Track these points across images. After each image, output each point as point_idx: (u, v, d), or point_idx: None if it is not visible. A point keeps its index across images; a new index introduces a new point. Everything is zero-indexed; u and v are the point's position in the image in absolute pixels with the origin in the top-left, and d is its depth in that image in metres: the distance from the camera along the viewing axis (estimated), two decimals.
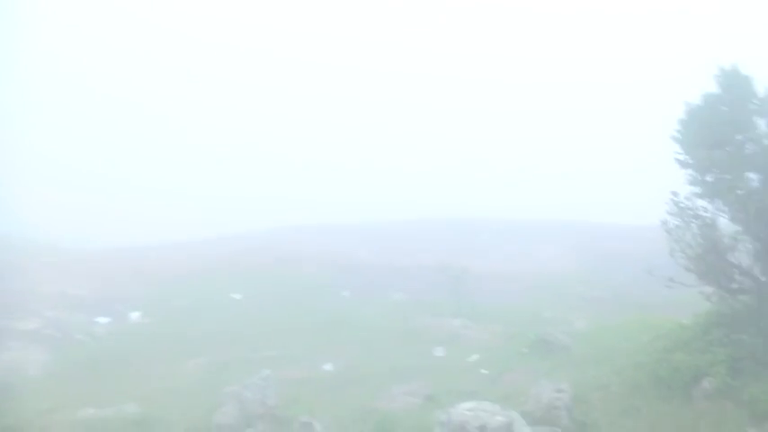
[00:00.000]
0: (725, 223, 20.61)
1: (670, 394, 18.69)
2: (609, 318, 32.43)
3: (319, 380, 27.20)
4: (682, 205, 20.65)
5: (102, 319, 37.85)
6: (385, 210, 74.27)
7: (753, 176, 19.53)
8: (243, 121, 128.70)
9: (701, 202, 20.53)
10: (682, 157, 20.46)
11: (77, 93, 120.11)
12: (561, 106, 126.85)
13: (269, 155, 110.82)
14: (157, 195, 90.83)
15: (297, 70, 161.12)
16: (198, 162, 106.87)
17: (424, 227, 66.38)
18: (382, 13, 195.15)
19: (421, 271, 46.89)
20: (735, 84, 19.84)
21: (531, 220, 66.94)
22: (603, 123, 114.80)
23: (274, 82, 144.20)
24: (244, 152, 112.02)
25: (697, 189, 20.39)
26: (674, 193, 20.68)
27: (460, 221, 67.13)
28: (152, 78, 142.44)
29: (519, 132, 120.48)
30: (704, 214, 20.52)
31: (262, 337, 33.72)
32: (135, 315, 38.41)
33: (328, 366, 29.21)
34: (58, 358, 30.87)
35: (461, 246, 57.44)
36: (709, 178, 20.01)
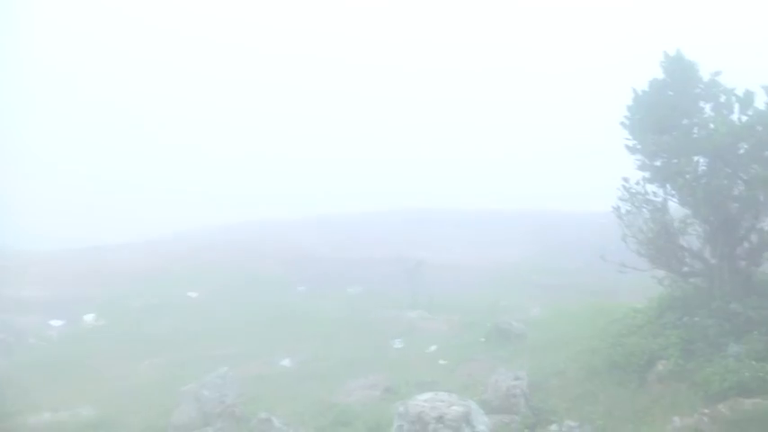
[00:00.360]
0: (675, 207, 20.83)
1: (625, 378, 18.80)
2: (564, 304, 32.66)
3: (277, 376, 27.05)
4: (632, 191, 20.85)
5: (56, 322, 37.29)
6: (344, 201, 74.39)
7: (700, 160, 19.71)
8: (225, 118, 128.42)
9: (651, 187, 20.74)
10: (631, 143, 20.64)
11: (66, 91, 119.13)
12: (511, 95, 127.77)
13: (240, 149, 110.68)
14: (139, 192, 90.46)
15: (260, 62, 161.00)
16: (179, 158, 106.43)
17: (381, 219, 66.46)
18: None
19: (378, 263, 46.90)
20: (680, 69, 20.04)
21: (486, 210, 67.38)
22: (554, 111, 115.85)
23: (243, 76, 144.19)
24: (224, 148, 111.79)
25: (647, 174, 20.58)
26: (625, 179, 20.89)
27: (417, 213, 67.37)
28: (139, 76, 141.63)
29: (469, 122, 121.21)
30: (654, 199, 20.73)
31: (219, 335, 33.52)
32: (89, 317, 37.84)
33: (286, 362, 29.09)
34: (11, 363, 30.34)
35: (418, 237, 57.66)
36: (658, 163, 20.18)
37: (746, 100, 19.18)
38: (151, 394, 25.00)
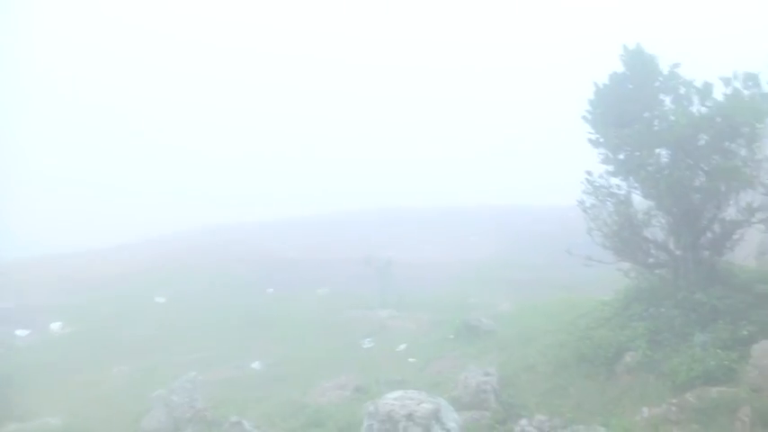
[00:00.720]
0: (638, 200, 20.97)
1: (594, 371, 18.89)
2: (532, 299, 32.83)
3: (248, 379, 26.98)
4: (596, 184, 20.96)
5: (22, 332, 36.84)
6: (315, 202, 74.30)
7: (662, 152, 19.87)
8: (205, 117, 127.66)
9: (614, 180, 20.85)
10: (593, 137, 20.75)
11: (61, 95, 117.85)
12: (474, 92, 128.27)
13: (214, 149, 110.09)
14: (135, 196, 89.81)
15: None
16: (172, 160, 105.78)
17: (350, 219, 66.46)
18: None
19: (346, 264, 46.83)
20: (640, 63, 20.17)
21: (454, 207, 67.60)
22: (518, 107, 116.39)
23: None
24: (203, 148, 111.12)
25: (610, 167, 20.69)
26: (589, 173, 20.99)
27: (386, 212, 67.42)
28: (136, 79, 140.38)
29: (434, 120, 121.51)
30: (618, 192, 20.85)
31: (188, 340, 33.35)
32: (56, 325, 37.45)
33: (256, 364, 29.01)
34: None
35: (387, 236, 57.74)
36: (621, 156, 20.30)
37: (705, 92, 19.38)
38: (120, 401, 24.81)
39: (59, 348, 33.56)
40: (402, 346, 28.94)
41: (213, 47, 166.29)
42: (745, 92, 18.86)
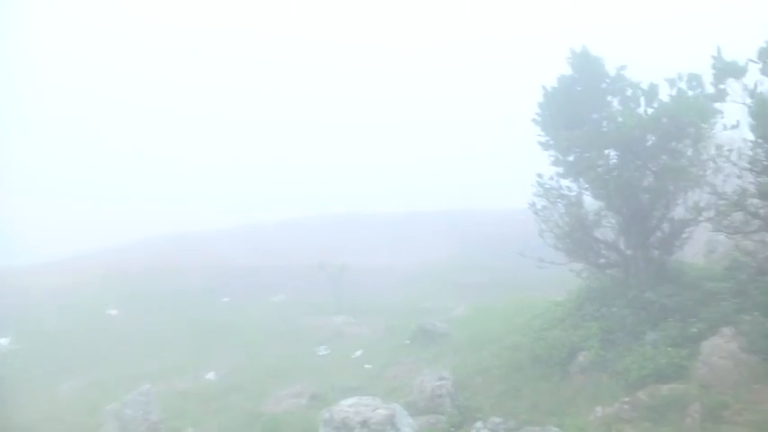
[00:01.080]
0: (589, 201, 21.17)
1: (548, 371, 19.00)
2: (487, 302, 32.98)
3: (203, 390, 26.66)
4: (547, 186, 21.13)
5: None
6: (269, 209, 73.91)
7: (611, 153, 20.08)
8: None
9: (564, 182, 21.03)
10: (543, 139, 20.90)
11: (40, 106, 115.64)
12: (419, 93, 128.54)
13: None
14: (107, 203, 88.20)
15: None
16: (144, 169, 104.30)
17: (305, 226, 66.24)
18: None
19: (301, 271, 46.66)
20: (587, 65, 20.36)
21: (408, 212, 67.70)
22: (467, 109, 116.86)
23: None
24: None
25: (560, 169, 20.87)
26: (539, 175, 21.16)
27: (340, 218, 67.32)
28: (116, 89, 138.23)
29: (384, 123, 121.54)
30: (569, 193, 21.03)
31: (141, 352, 32.90)
32: (4, 341, 36.64)
33: (211, 375, 28.70)
34: None
35: (343, 242, 57.66)
36: (570, 158, 20.46)
37: (651, 93, 19.64)
38: (72, 417, 24.31)
39: (8, 365, 32.80)
40: (358, 353, 28.84)
41: (183, 52, 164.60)
42: (690, 93, 19.14)
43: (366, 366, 26.60)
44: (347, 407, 15.34)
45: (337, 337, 32.40)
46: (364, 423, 14.75)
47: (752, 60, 16.49)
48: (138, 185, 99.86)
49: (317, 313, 36.68)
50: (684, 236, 20.36)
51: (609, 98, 20.37)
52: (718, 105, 18.30)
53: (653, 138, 19.47)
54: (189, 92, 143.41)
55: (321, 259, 42.36)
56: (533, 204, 21.40)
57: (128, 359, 31.98)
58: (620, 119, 19.63)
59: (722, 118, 18.58)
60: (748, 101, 16.52)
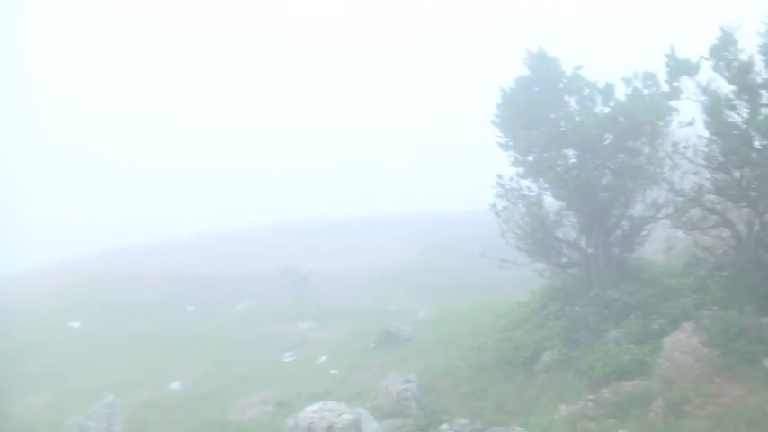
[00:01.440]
0: (549, 201, 21.32)
1: (513, 372, 19.09)
2: (451, 304, 33.05)
3: (168, 400, 26.38)
4: (507, 187, 21.24)
5: None
6: (228, 216, 73.45)
7: (570, 153, 20.23)
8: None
9: (525, 183, 21.19)
10: (502, 140, 21.01)
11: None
12: (383, 95, 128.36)
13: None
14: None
15: None
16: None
17: (268, 232, 65.94)
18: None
19: (265, 278, 46.45)
20: (544, 66, 20.53)
21: (371, 216, 67.67)
22: (426, 111, 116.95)
23: None
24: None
25: (520, 170, 21.00)
26: (499, 176, 21.26)
27: (303, 223, 67.11)
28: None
29: (338, 124, 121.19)
30: (529, 194, 21.18)
31: (105, 364, 32.54)
32: None
33: (176, 384, 28.46)
34: None
35: (307, 248, 57.54)
36: (530, 158, 20.61)
37: (607, 92, 19.87)
38: (36, 431, 23.95)
39: None
40: (323, 358, 28.75)
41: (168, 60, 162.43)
42: (646, 91, 19.40)
43: (332, 371, 26.53)
44: (312, 412, 15.25)
45: (302, 343, 32.30)
46: (329, 428, 14.68)
47: (704, 58, 16.70)
48: (125, 192, 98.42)
49: (281, 320, 36.53)
50: (644, 233, 20.60)
51: (566, 98, 20.56)
52: (673, 103, 18.56)
53: (610, 136, 19.68)
54: (172, 99, 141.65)
55: (285, 265, 42.22)
56: (494, 205, 21.50)
57: (91, 371, 31.60)
58: (577, 118, 19.80)
59: (677, 115, 18.86)
60: (702, 98, 16.72)
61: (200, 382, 28.24)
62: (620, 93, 19.80)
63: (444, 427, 16.38)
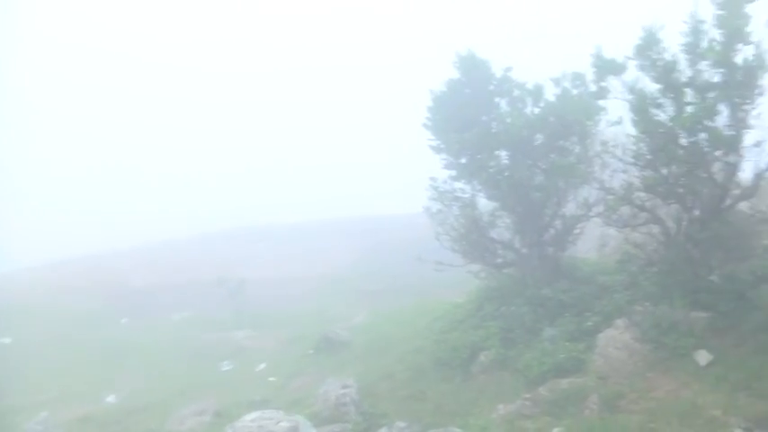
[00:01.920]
0: (483, 202, 21.46)
1: (451, 373, 19.16)
2: (388, 307, 33.05)
3: (104, 414, 25.79)
4: (441, 189, 21.31)
5: None
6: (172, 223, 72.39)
7: (502, 154, 20.39)
8: None
9: (458, 184, 21.28)
10: (435, 143, 21.05)
11: None
12: (313, 96, 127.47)
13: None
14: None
15: None
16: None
17: (202, 241, 65.15)
18: None
19: (201, 287, 45.83)
20: (473, 68, 20.66)
21: (307, 221, 67.33)
22: (363, 112, 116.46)
23: None
24: None
25: (453, 172, 21.07)
26: (433, 179, 21.32)
27: (238, 231, 66.45)
28: None
29: (266, 126, 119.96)
30: (463, 195, 21.30)
31: (38, 380, 31.65)
32: None
33: (111, 398, 27.87)
34: None
35: (243, 255, 56.94)
36: (462, 160, 20.73)
37: (537, 93, 20.12)
38: None
39: None
40: (261, 366, 28.48)
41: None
42: (574, 91, 19.65)
43: (270, 379, 26.28)
44: (250, 421, 15.07)
45: (240, 352, 31.96)
46: None
47: (629, 57, 16.97)
48: (108, 196, 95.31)
49: (218, 329, 36.12)
50: (577, 232, 20.88)
51: (497, 100, 20.73)
52: (601, 102, 18.76)
53: (541, 137, 19.92)
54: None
55: (220, 274, 41.78)
56: (428, 208, 21.55)
57: (23, 388, 30.71)
58: (508, 120, 19.99)
59: (606, 115, 19.09)
60: (629, 97, 16.98)
61: (137, 394, 27.72)
62: (550, 93, 20.06)
63: (383, 430, 16.30)
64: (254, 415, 15.53)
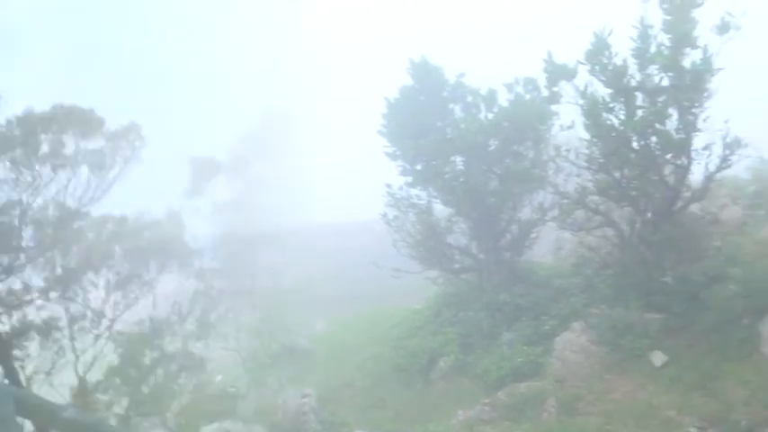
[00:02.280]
0: (440, 208, 21.43)
1: (411, 380, 19.07)
2: (347, 315, 32.79)
3: None
4: (397, 196, 21.23)
5: None
6: None
7: (457, 160, 20.40)
8: None
9: (414, 191, 21.22)
10: (390, 150, 20.99)
11: None
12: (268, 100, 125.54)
13: None
14: None
15: None
16: None
17: None
18: None
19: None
20: (427, 74, 20.64)
21: (272, 229, 66.47)
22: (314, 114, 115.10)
23: None
24: None
25: (409, 178, 21.02)
26: (389, 185, 21.24)
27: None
28: None
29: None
30: (419, 202, 21.25)
31: None
32: None
33: None
34: None
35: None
36: (418, 167, 20.69)
37: (491, 99, 20.16)
38: None
39: None
40: (219, 377, 28.11)
41: None
42: (527, 96, 19.74)
43: (229, 389, 25.95)
44: None
45: (198, 363, 31.49)
46: None
47: (581, 62, 17.05)
48: None
49: (176, 340, 35.55)
50: (533, 236, 20.99)
51: (451, 106, 20.74)
52: (553, 107, 18.83)
53: (495, 142, 19.97)
54: None
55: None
56: (385, 215, 21.48)
57: None
58: (462, 126, 20.00)
59: (558, 119, 19.20)
60: (581, 101, 17.08)
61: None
62: (503, 98, 20.09)
63: None
64: (213, 426, 15.48)
